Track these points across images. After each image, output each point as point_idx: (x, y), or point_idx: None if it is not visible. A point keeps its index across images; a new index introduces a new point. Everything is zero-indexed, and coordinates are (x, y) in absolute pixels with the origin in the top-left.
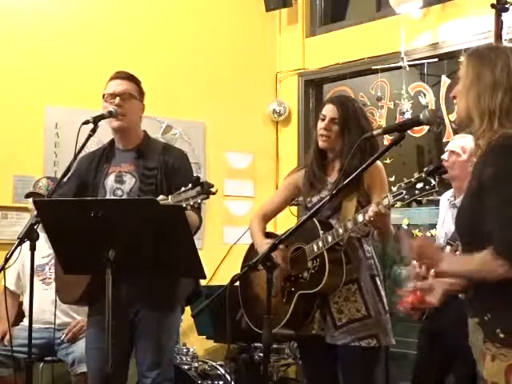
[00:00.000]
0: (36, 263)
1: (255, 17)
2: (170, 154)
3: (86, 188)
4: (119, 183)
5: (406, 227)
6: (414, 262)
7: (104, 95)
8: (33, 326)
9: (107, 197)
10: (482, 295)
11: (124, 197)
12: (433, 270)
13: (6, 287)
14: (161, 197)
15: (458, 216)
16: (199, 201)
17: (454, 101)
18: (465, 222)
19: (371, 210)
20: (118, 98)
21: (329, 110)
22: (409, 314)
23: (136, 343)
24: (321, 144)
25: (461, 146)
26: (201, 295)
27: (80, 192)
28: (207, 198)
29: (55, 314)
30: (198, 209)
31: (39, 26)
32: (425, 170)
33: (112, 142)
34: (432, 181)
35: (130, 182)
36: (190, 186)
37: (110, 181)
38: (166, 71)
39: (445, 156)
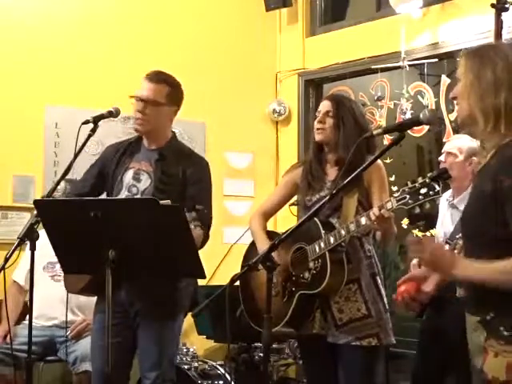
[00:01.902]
0: (48, 260)
1: (255, 16)
2: (192, 162)
3: (106, 177)
4: (136, 180)
5: (405, 227)
6: (415, 262)
7: (133, 95)
8: (36, 322)
9: (123, 192)
10: (483, 294)
11: (138, 195)
12: None
13: (14, 281)
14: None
15: (464, 216)
16: (192, 226)
17: (455, 101)
18: (472, 224)
19: (374, 213)
20: (141, 104)
21: (323, 105)
22: (406, 305)
23: (138, 343)
24: (316, 137)
25: (457, 146)
26: (198, 304)
27: (100, 181)
28: (201, 225)
29: (66, 312)
30: (206, 227)
31: (39, 25)
32: (429, 175)
33: (141, 137)
34: (436, 186)
35: (145, 182)
36: (185, 209)
37: (128, 176)
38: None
39: (442, 158)
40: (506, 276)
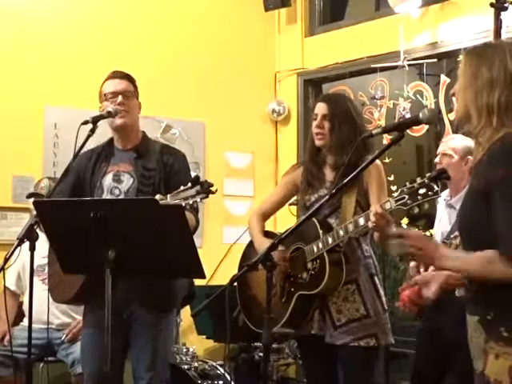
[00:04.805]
0: (36, 263)
1: (254, 17)
2: (170, 154)
3: (82, 186)
4: (117, 182)
5: (405, 226)
6: (412, 264)
7: (104, 95)
8: (33, 326)
9: (104, 195)
10: (483, 293)
11: (121, 196)
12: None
13: (6, 287)
14: (158, 196)
15: (459, 214)
16: (198, 200)
17: (454, 99)
18: (467, 221)
19: (372, 214)
20: (120, 97)
21: (320, 108)
22: (408, 310)
23: (131, 344)
24: (317, 142)
25: (451, 147)
26: (195, 297)
27: (76, 189)
28: (206, 197)
29: (48, 314)
30: (195, 210)
31: (38, 25)
32: (428, 175)
33: (111, 141)
34: (435, 186)
35: (127, 181)
36: (189, 185)
37: (108, 180)
38: (165, 71)
39: (437, 159)
40: (483, 267)
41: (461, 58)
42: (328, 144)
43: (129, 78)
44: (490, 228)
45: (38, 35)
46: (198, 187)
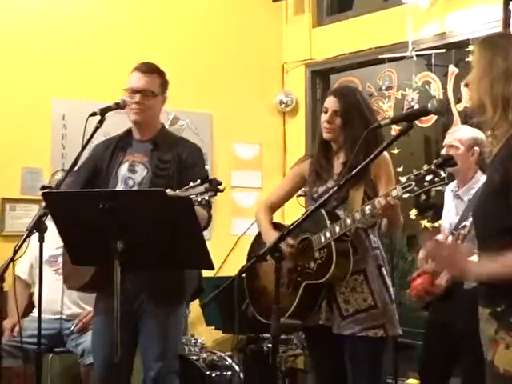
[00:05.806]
0: (49, 254)
1: (262, 7)
2: (185, 148)
3: (98, 174)
4: (131, 172)
5: (413, 217)
6: (421, 256)
7: (125, 88)
8: (43, 316)
9: (119, 185)
10: (494, 286)
11: (135, 187)
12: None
13: (17, 276)
14: (168, 191)
15: (475, 209)
16: (206, 197)
17: (466, 89)
18: (483, 216)
19: (380, 201)
20: (138, 96)
21: (330, 103)
22: (420, 298)
23: (141, 335)
24: (325, 135)
25: (457, 138)
26: (203, 292)
27: (92, 178)
28: (215, 195)
29: (61, 303)
30: (207, 205)
31: (45, 17)
32: (434, 162)
33: (129, 131)
34: (441, 173)
35: (141, 172)
36: (198, 181)
37: (123, 169)
38: (172, 62)
39: (443, 151)
40: (500, 271)
41: (472, 47)
42: (337, 139)
43: (154, 72)
44: (501, 219)
45: (44, 28)
46: (206, 185)
